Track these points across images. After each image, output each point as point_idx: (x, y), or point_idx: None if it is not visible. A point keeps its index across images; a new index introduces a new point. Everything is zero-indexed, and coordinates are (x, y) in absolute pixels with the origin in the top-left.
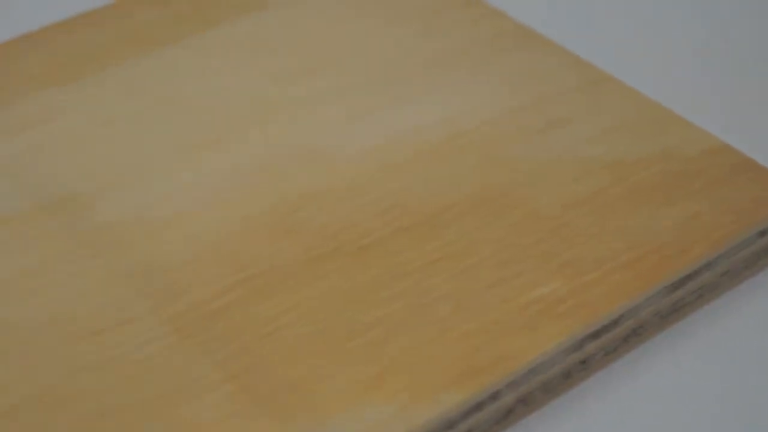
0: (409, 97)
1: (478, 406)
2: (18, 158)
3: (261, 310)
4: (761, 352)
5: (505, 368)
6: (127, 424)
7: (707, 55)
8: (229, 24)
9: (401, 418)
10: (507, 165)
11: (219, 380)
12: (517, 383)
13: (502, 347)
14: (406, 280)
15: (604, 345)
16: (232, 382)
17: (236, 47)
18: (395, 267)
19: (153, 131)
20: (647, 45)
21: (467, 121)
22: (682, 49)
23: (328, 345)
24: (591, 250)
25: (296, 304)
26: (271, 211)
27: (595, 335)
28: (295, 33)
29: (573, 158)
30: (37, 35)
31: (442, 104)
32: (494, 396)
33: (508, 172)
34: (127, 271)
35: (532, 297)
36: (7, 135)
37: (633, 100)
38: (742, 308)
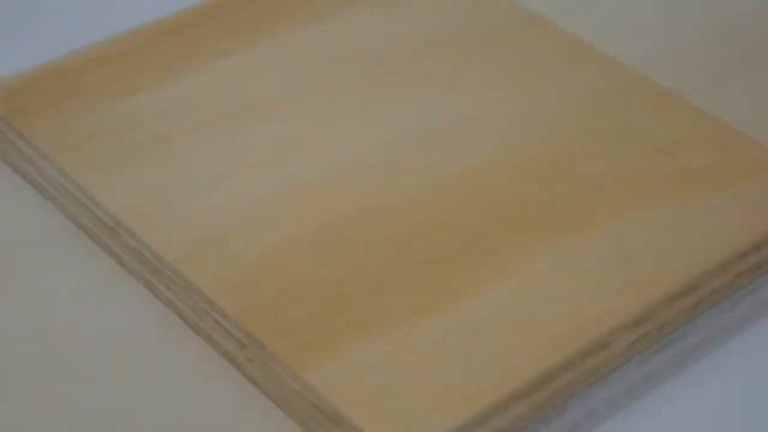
0: (464, 113)
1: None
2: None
3: (311, 332)
4: None
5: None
6: None
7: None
8: (280, 37)
9: None
10: (566, 178)
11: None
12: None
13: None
14: (465, 296)
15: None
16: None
17: (289, 61)
18: (454, 283)
19: (203, 148)
20: (707, 59)
21: (526, 135)
22: (743, 63)
23: (386, 364)
24: (653, 264)
25: (351, 323)
26: (319, 228)
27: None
28: (346, 47)
29: (632, 172)
30: (90, 51)
31: (499, 119)
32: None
33: (567, 185)
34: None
35: (595, 311)
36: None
37: (692, 114)
38: None
